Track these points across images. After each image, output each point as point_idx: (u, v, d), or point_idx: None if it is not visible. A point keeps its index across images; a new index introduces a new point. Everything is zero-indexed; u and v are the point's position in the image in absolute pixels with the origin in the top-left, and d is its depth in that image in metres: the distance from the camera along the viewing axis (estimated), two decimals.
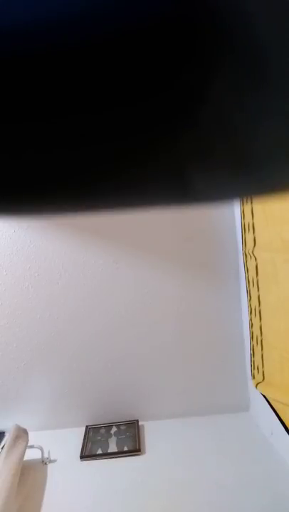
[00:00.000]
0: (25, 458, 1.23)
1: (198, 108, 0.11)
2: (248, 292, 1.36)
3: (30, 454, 1.28)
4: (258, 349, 1.32)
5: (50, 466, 1.31)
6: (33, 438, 1.30)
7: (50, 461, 1.33)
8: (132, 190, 0.14)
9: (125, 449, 1.37)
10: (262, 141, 0.12)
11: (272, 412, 1.26)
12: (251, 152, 0.12)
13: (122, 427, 1.50)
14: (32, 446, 1.29)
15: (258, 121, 0.12)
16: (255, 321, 1.32)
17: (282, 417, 1.21)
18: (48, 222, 1.47)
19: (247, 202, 1.29)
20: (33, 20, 0.09)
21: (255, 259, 1.27)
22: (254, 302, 1.32)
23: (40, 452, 1.32)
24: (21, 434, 1.27)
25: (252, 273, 1.32)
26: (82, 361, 1.52)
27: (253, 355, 1.36)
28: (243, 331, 1.52)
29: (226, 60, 0.10)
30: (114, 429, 1.49)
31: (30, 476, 1.25)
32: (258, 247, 1.24)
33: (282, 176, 0.14)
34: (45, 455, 1.32)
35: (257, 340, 1.32)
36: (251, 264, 1.31)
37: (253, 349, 1.36)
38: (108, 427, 1.51)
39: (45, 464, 1.31)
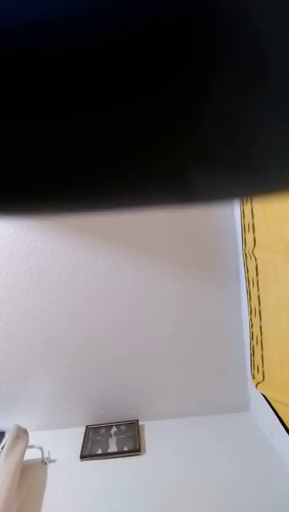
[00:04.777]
0: (25, 458, 1.23)
1: (199, 108, 0.11)
2: (248, 292, 1.36)
3: (30, 454, 1.28)
4: (258, 349, 1.32)
5: (50, 466, 1.31)
6: (33, 438, 1.30)
7: (50, 461, 1.33)
8: (133, 190, 0.14)
9: (125, 449, 1.37)
10: (263, 142, 0.12)
11: (273, 412, 1.26)
12: (252, 152, 0.12)
13: (122, 427, 1.50)
14: (32, 446, 1.29)
15: (259, 121, 0.12)
16: (255, 321, 1.32)
17: (282, 417, 1.21)
18: (48, 222, 1.47)
19: (247, 202, 1.29)
20: (33, 19, 0.09)
21: (255, 259, 1.27)
22: (254, 302, 1.32)
23: (40, 452, 1.32)
24: (21, 434, 1.27)
25: (252, 273, 1.32)
26: (82, 361, 1.52)
27: (253, 355, 1.36)
28: (243, 331, 1.52)
29: (226, 61, 0.10)
30: (114, 429, 1.49)
31: (30, 476, 1.25)
32: (258, 247, 1.24)
33: (283, 177, 0.14)
34: (45, 455, 1.32)
35: (257, 340, 1.32)
36: (251, 264, 1.31)
37: (253, 349, 1.36)
38: (108, 427, 1.51)
39: (45, 463, 1.31)
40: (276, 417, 1.24)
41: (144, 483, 1.19)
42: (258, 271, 1.27)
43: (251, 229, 1.27)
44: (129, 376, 1.54)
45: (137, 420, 1.51)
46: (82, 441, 1.42)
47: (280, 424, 1.21)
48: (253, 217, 1.26)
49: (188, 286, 1.53)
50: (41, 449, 1.32)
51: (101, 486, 1.19)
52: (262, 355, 1.29)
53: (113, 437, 1.44)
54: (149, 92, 0.10)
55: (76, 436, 1.45)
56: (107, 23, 0.09)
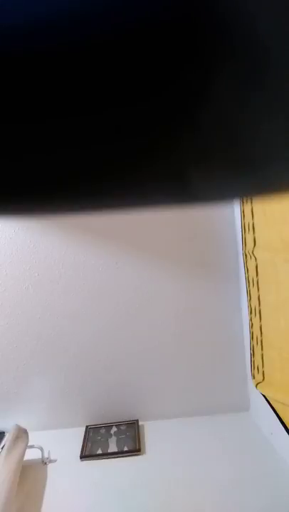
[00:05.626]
0: (25, 458, 1.23)
1: (199, 108, 0.11)
2: (248, 292, 1.36)
3: (30, 454, 1.28)
4: (258, 349, 1.32)
5: (50, 466, 1.31)
6: (33, 438, 1.30)
7: (50, 461, 1.33)
8: (132, 190, 0.14)
9: (125, 449, 1.37)
10: (262, 141, 0.12)
11: (272, 412, 1.26)
12: (252, 152, 0.12)
13: (122, 427, 1.50)
14: (32, 446, 1.29)
15: (258, 121, 0.12)
16: (255, 321, 1.32)
17: (282, 417, 1.21)
18: (48, 222, 1.47)
19: (247, 202, 1.29)
20: (32, 18, 0.09)
21: (255, 259, 1.27)
22: (254, 302, 1.32)
23: (40, 452, 1.32)
24: (21, 434, 1.27)
25: (252, 273, 1.32)
26: (82, 361, 1.52)
27: (253, 355, 1.36)
28: (243, 331, 1.52)
29: (226, 61, 0.10)
30: (114, 429, 1.49)
31: (30, 476, 1.25)
32: (258, 247, 1.24)
33: (283, 176, 0.14)
34: (45, 455, 1.32)
35: (257, 340, 1.32)
36: (251, 264, 1.31)
37: (253, 349, 1.36)
38: (108, 427, 1.51)
39: (45, 463, 1.31)
40: (276, 417, 1.24)
41: (144, 483, 1.19)
42: (258, 271, 1.27)
43: (251, 229, 1.27)
44: (129, 376, 1.54)
45: (137, 420, 1.51)
46: (82, 441, 1.42)
47: (280, 424, 1.21)
48: (253, 217, 1.26)
49: (188, 286, 1.53)
50: (41, 449, 1.32)
51: (101, 486, 1.19)
52: (262, 355, 1.29)
53: (113, 437, 1.44)
54: (149, 92, 0.10)
55: (76, 436, 1.45)
56: (107, 24, 0.09)
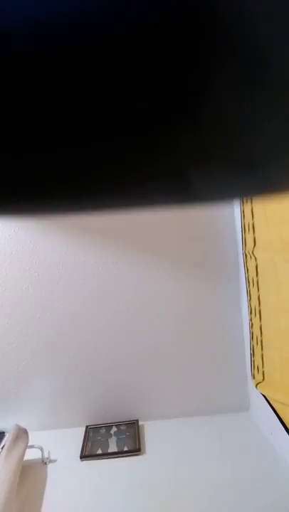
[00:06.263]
0: (25, 458, 1.23)
1: (198, 109, 0.11)
2: (248, 292, 1.36)
3: (30, 454, 1.28)
4: (258, 349, 1.32)
5: (50, 466, 1.31)
6: (33, 438, 1.30)
7: (50, 461, 1.33)
8: (132, 190, 0.14)
9: (125, 449, 1.37)
10: (262, 142, 0.12)
11: (273, 412, 1.26)
12: (251, 152, 0.12)
13: (122, 427, 1.50)
14: (32, 446, 1.29)
15: (258, 121, 0.12)
16: (255, 321, 1.32)
17: (282, 417, 1.21)
18: (48, 222, 1.47)
19: (247, 202, 1.29)
20: (32, 19, 0.09)
21: (255, 259, 1.27)
22: (254, 302, 1.32)
23: (40, 452, 1.32)
24: (21, 434, 1.27)
25: (252, 273, 1.32)
26: (82, 361, 1.52)
27: (253, 355, 1.36)
28: (243, 331, 1.52)
29: (226, 61, 0.10)
30: (114, 429, 1.49)
31: (30, 476, 1.25)
32: (258, 247, 1.24)
33: (283, 176, 0.14)
34: (45, 455, 1.32)
35: (257, 340, 1.32)
36: (251, 264, 1.31)
37: (253, 349, 1.36)
38: (108, 427, 1.51)
39: (45, 463, 1.31)
40: (276, 417, 1.24)
41: (144, 483, 1.19)
42: (258, 271, 1.27)
43: (251, 229, 1.27)
44: (129, 376, 1.54)
45: (137, 420, 1.51)
46: (82, 441, 1.42)
47: (280, 424, 1.21)
48: (253, 217, 1.26)
49: (188, 286, 1.53)
50: (41, 449, 1.32)
51: (101, 486, 1.19)
52: (262, 355, 1.29)
53: (113, 437, 1.44)
54: (149, 93, 0.10)
55: (76, 436, 1.45)
56: (106, 24, 0.09)
